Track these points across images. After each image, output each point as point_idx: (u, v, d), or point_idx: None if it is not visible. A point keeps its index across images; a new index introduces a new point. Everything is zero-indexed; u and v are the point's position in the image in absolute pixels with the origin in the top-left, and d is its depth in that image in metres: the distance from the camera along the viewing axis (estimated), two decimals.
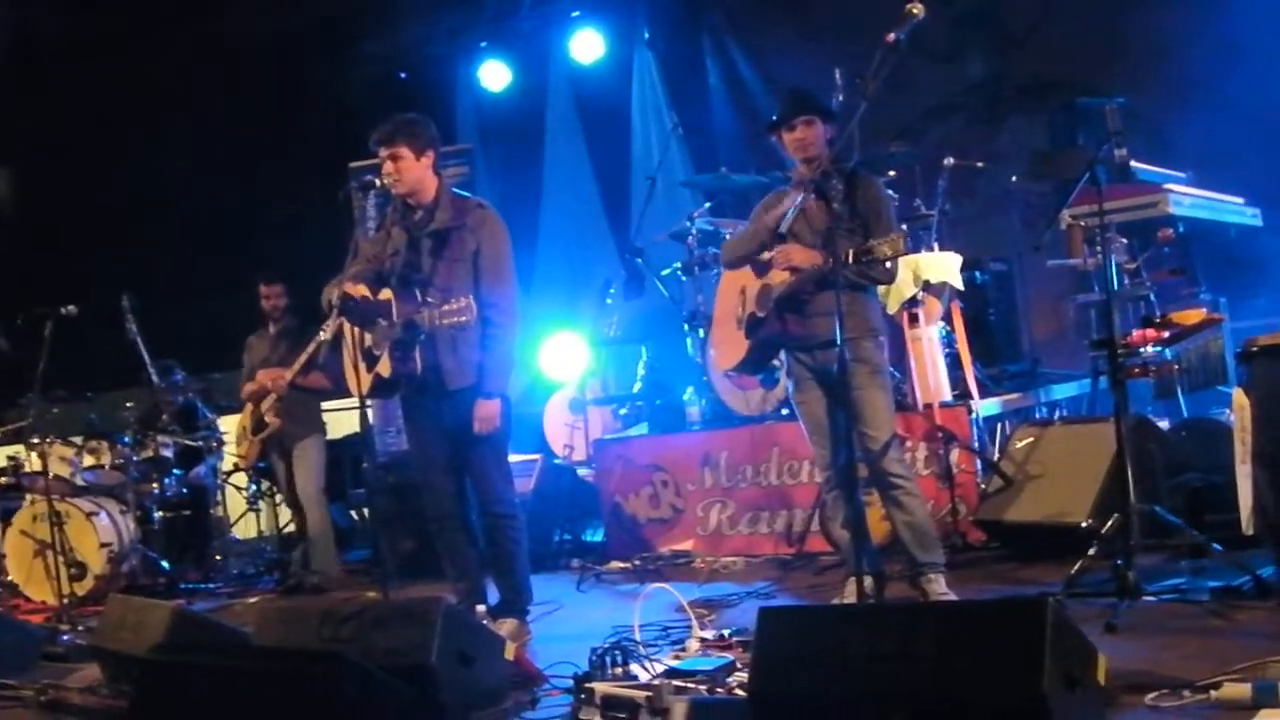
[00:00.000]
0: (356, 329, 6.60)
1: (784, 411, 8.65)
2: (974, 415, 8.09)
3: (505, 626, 6.48)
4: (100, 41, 13.66)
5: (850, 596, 6.27)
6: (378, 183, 6.63)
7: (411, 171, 6.57)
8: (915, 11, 5.56)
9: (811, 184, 6.02)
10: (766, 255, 6.36)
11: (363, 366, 6.55)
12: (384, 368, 6.52)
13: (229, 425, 10.71)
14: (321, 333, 8.61)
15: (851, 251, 5.78)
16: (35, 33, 13.78)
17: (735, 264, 6.68)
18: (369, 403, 6.62)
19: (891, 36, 5.57)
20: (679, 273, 9.82)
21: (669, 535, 9.18)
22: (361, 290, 6.51)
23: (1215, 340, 7.56)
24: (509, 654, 5.53)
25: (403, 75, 14.21)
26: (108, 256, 13.18)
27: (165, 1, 13.38)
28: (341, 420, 10.26)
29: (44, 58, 13.89)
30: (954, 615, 4.38)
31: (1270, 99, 9.13)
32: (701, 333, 9.32)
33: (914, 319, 8.11)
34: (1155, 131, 9.74)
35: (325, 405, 9.89)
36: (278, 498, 10.65)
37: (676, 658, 5.64)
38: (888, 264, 5.97)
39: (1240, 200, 8.88)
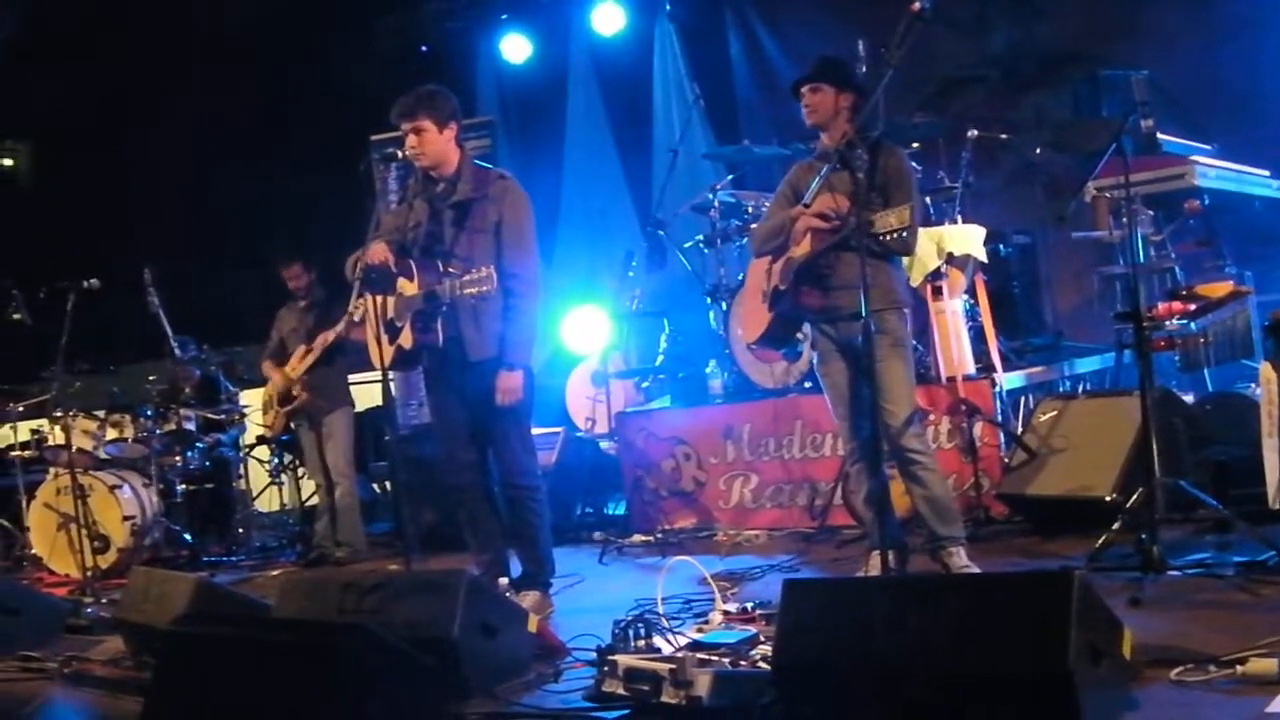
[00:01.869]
0: (379, 302, 6.58)
1: (807, 385, 8.64)
2: (997, 388, 8.05)
3: (528, 599, 6.48)
4: (120, 14, 13.67)
5: (873, 570, 6.25)
6: (399, 155, 6.61)
7: (434, 144, 6.54)
8: None
9: (836, 154, 6.00)
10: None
11: (385, 339, 6.53)
12: (405, 339, 6.50)
13: (251, 399, 10.73)
14: (339, 324, 8.60)
15: (858, 225, 5.75)
16: (55, 6, 13.78)
17: (764, 254, 6.64)
18: (391, 375, 6.61)
19: (917, 5, 5.53)
20: (701, 245, 9.81)
21: (691, 508, 9.17)
22: (383, 253, 6.46)
23: (1242, 313, 7.49)
24: (531, 626, 5.53)
25: (424, 48, 14.20)
26: (129, 230, 13.21)
27: None
28: (363, 393, 10.27)
29: (65, 31, 13.89)
30: (980, 588, 4.35)
31: None
32: (724, 305, 9.30)
33: (937, 292, 8.08)
34: (1178, 103, 9.67)
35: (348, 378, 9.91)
36: (300, 471, 10.67)
37: (700, 630, 5.63)
38: (895, 235, 5.84)
39: (1266, 173, 8.82)
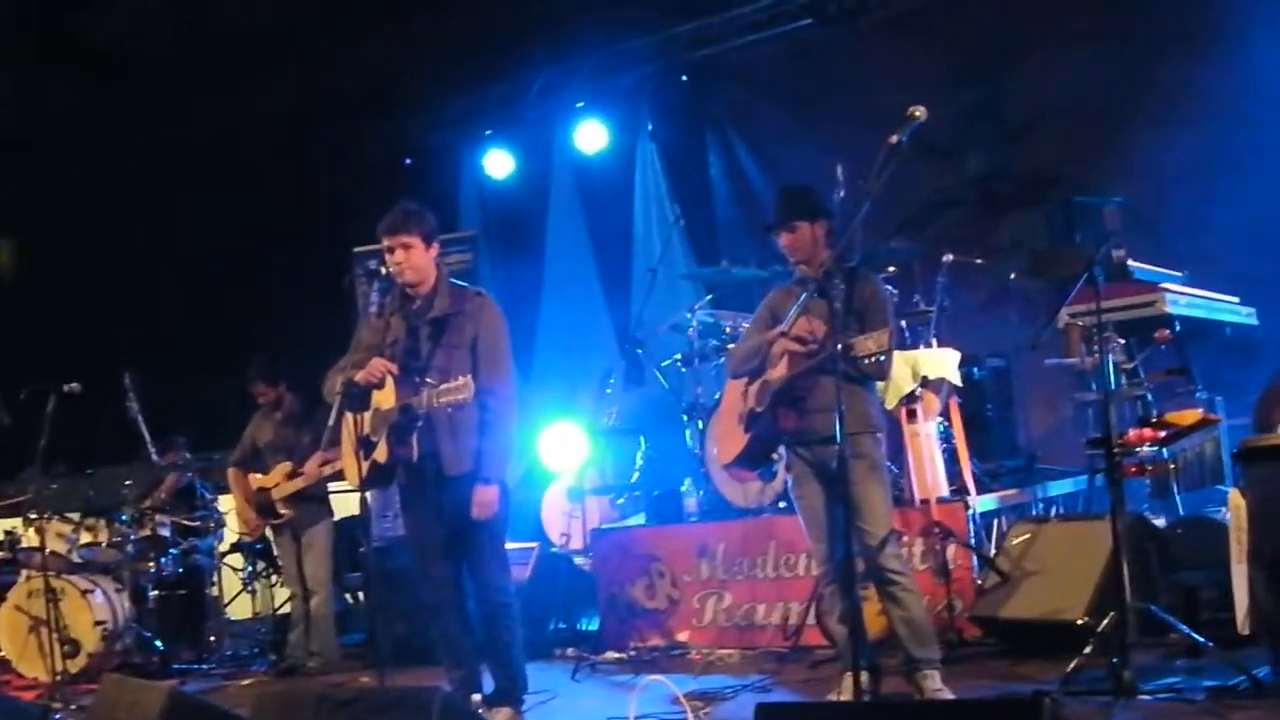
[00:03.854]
0: (354, 418, 6.58)
1: (781, 504, 8.65)
2: (971, 511, 8.11)
3: (500, 715, 6.47)
4: (106, 118, 13.79)
5: (846, 692, 6.25)
6: (382, 270, 6.68)
7: (420, 260, 6.62)
8: (918, 115, 5.63)
9: (814, 283, 6.07)
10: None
11: (360, 455, 6.54)
12: (381, 454, 6.51)
13: (228, 504, 10.72)
14: (335, 459, 8.59)
15: (840, 346, 5.79)
16: (42, 107, 13.90)
17: (740, 375, 6.70)
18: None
19: (894, 139, 5.62)
20: (679, 364, 9.88)
21: (665, 626, 9.16)
22: (383, 367, 6.49)
23: (1211, 440, 7.60)
24: None
25: (408, 161, 14.33)
26: (109, 333, 13.24)
27: (172, 80, 13.51)
28: (339, 502, 10.27)
29: (50, 132, 14.00)
30: (951, 713, 4.38)
31: (1266, 200, 9.21)
32: (700, 424, 9.35)
33: (912, 414, 8.15)
34: (1150, 228, 9.80)
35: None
36: (273, 578, 10.65)
37: None
38: (873, 360, 5.86)
39: (1235, 299, 8.94)
